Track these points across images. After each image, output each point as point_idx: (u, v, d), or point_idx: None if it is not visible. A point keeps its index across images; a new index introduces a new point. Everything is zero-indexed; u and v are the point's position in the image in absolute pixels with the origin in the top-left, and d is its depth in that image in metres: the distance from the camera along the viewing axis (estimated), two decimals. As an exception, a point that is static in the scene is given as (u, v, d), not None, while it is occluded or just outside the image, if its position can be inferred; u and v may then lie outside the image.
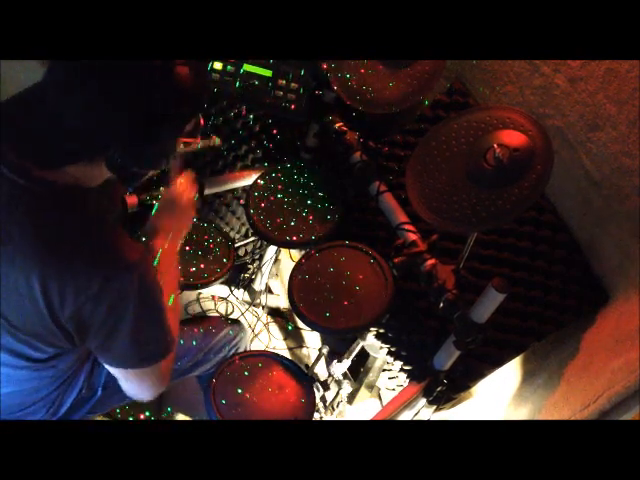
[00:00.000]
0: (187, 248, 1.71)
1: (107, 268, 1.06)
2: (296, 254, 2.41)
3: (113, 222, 1.15)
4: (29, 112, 1.05)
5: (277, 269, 2.51)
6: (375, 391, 2.14)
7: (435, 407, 1.63)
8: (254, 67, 1.68)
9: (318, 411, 1.93)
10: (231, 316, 2.33)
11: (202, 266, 1.68)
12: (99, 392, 1.44)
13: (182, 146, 1.19)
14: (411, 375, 1.74)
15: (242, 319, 2.27)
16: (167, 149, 1.13)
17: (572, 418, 1.45)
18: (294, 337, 2.39)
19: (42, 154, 1.05)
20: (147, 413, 1.88)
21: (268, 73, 1.69)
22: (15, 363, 1.21)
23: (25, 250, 1.05)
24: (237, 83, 1.68)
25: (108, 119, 1.01)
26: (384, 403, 2.11)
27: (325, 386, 1.89)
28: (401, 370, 1.83)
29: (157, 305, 1.16)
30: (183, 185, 1.44)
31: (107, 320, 1.09)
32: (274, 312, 2.43)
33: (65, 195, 1.08)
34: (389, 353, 1.80)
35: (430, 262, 1.42)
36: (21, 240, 1.05)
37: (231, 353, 1.68)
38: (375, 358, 1.95)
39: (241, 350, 1.74)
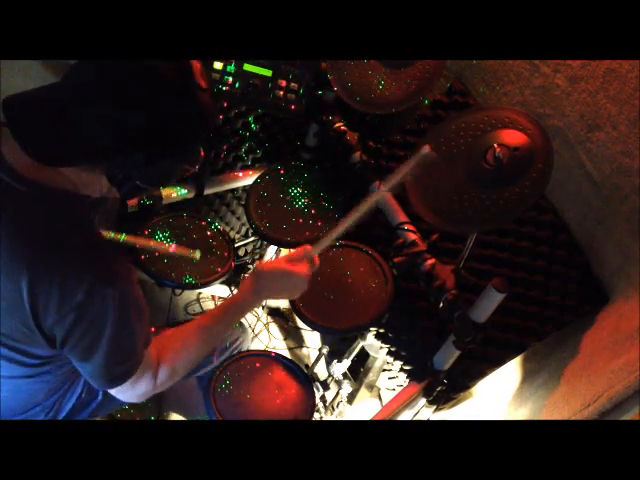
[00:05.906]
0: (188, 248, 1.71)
1: (91, 279, 1.04)
2: (296, 254, 2.41)
3: (103, 235, 1.13)
4: (37, 109, 1.03)
5: (277, 269, 2.51)
6: (375, 391, 2.13)
7: (435, 407, 1.63)
8: (254, 67, 1.68)
9: (318, 411, 1.93)
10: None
11: (202, 266, 1.68)
12: (100, 396, 1.42)
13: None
14: (411, 375, 1.74)
15: (243, 319, 2.27)
16: (172, 170, 1.12)
17: (572, 418, 1.44)
18: (294, 337, 2.39)
19: (45, 150, 1.02)
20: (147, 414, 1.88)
21: (268, 73, 1.69)
22: (7, 366, 1.19)
23: (14, 253, 1.04)
24: (237, 83, 1.68)
25: (123, 127, 0.99)
26: (384, 403, 2.11)
27: (325, 386, 1.89)
28: (401, 370, 1.82)
29: (133, 325, 1.13)
30: (300, 258, 1.30)
31: (86, 333, 1.08)
32: (274, 312, 2.43)
33: (58, 200, 1.06)
34: (389, 353, 1.80)
35: (430, 262, 1.42)
36: (10, 243, 1.04)
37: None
38: (375, 358, 1.95)
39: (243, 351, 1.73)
